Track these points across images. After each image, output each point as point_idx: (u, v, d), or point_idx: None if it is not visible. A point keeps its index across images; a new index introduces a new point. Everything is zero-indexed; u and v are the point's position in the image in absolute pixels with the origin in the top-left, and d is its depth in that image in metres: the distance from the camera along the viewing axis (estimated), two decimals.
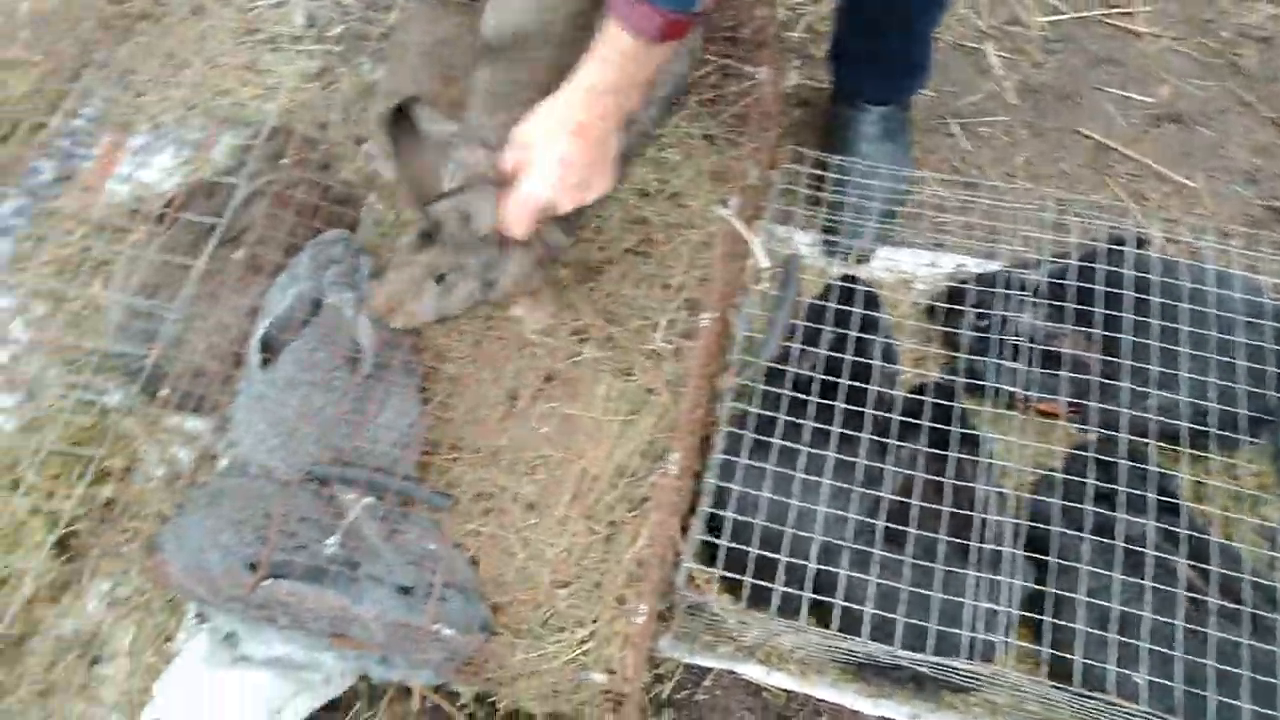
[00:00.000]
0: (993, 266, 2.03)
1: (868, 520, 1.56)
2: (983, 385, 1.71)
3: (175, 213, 1.73)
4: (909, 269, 2.12)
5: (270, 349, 1.71)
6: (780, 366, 1.59)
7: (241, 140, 2.28)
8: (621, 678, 1.35)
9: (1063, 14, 2.59)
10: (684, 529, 1.65)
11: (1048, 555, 1.57)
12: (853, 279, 1.80)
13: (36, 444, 1.83)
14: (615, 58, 1.44)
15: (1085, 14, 2.59)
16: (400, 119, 1.56)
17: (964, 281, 1.85)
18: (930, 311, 1.94)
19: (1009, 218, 1.95)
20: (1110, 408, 1.61)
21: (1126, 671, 1.41)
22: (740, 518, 1.51)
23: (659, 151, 2.33)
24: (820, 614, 1.58)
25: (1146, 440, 1.62)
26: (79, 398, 1.93)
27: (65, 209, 2.17)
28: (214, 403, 1.72)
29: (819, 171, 1.91)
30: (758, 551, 1.48)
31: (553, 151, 1.50)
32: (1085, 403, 1.62)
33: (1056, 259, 1.80)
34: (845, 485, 1.57)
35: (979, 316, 1.80)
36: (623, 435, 1.94)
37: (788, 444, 1.56)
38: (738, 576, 1.46)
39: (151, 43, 2.39)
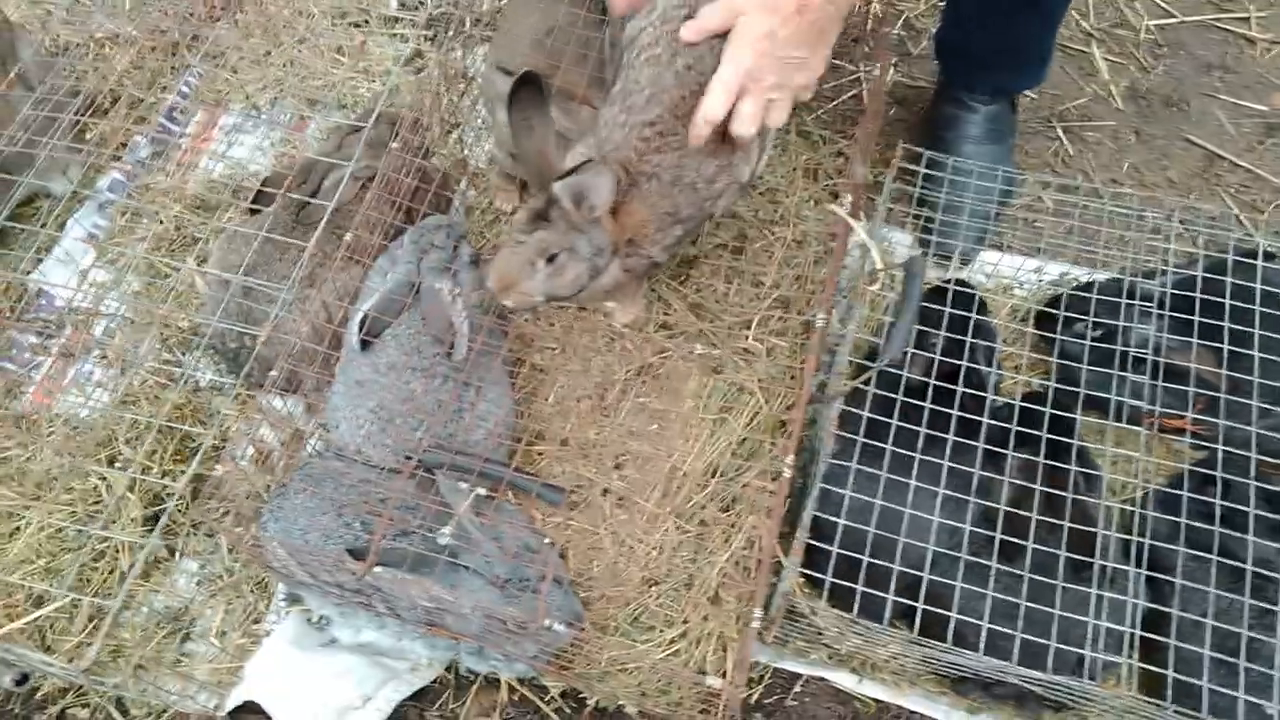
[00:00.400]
0: (1101, 275, 1.96)
1: (981, 532, 1.50)
2: (1100, 397, 1.64)
3: (284, 193, 1.71)
4: (1010, 274, 2.05)
5: (368, 332, 1.70)
6: (895, 370, 1.53)
7: (334, 122, 2.28)
8: (730, 682, 1.31)
9: (1172, 17, 2.50)
10: (782, 533, 1.61)
11: (1163, 573, 1.51)
12: (963, 283, 1.75)
13: (132, 419, 1.84)
14: None
15: (1196, 18, 2.50)
16: (519, 98, 1.53)
17: (1081, 288, 1.79)
18: (1039, 318, 1.87)
19: (1117, 225, 1.88)
20: (1239, 425, 1.54)
21: (1259, 701, 1.35)
22: (850, 524, 1.46)
23: None
24: (922, 625, 1.53)
25: (1268, 458, 1.55)
26: (171, 373, 1.94)
27: (160, 185, 2.17)
28: (308, 384, 1.70)
29: (924, 170, 1.85)
30: (868, 559, 1.44)
31: (764, 25, 1.42)
32: (1213, 420, 1.55)
33: (1179, 269, 1.72)
34: (957, 495, 1.52)
35: (1095, 326, 1.73)
36: (714, 433, 1.91)
37: (898, 450, 1.51)
38: (850, 584, 1.41)
39: (248, 21, 2.39)
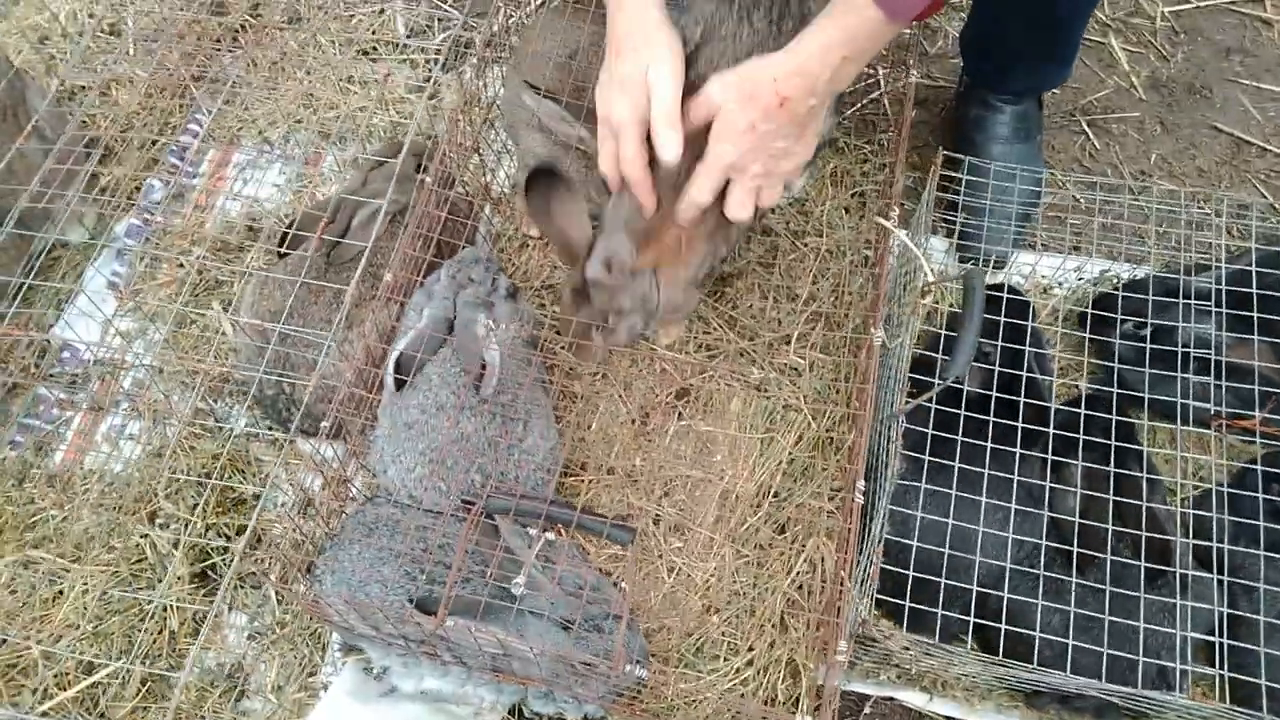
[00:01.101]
0: (1141, 271, 1.94)
1: (1058, 546, 1.48)
2: (1158, 399, 1.62)
3: (320, 235, 1.67)
4: (1048, 275, 2.03)
5: (403, 371, 1.66)
6: (953, 384, 1.51)
7: (351, 155, 2.23)
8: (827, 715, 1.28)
9: (1187, 3, 2.48)
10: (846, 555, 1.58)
11: (1236, 577, 1.50)
12: (1014, 290, 1.72)
13: (169, 473, 1.79)
14: (853, 25, 1.34)
15: (1210, 2, 2.48)
16: (535, 186, 1.54)
17: (1129, 288, 1.76)
18: (1086, 319, 1.85)
19: (1154, 219, 1.86)
20: None
21: None
22: (921, 544, 1.43)
23: None
24: (996, 642, 1.51)
25: None
26: (204, 424, 1.89)
27: (177, 228, 2.13)
28: (354, 430, 1.66)
29: (966, 176, 1.82)
30: (943, 580, 1.41)
31: (748, 115, 1.40)
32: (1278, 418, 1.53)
33: (1228, 263, 1.70)
34: (1024, 508, 1.49)
35: (1137, 326, 1.71)
36: (763, 454, 1.88)
37: (964, 466, 1.48)
38: (925, 608, 1.38)
39: (254, 54, 2.34)
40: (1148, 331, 1.62)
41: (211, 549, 1.75)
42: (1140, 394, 1.65)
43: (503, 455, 1.60)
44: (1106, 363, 1.80)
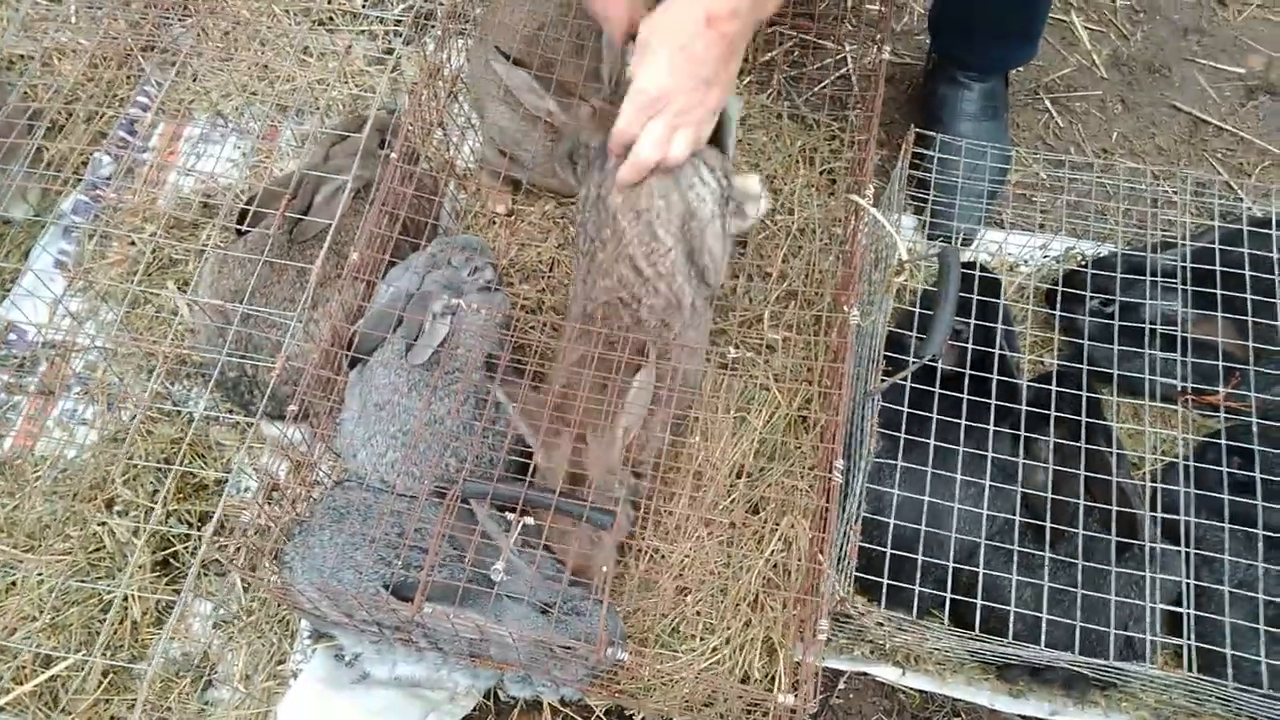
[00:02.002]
0: (1105, 249, 1.97)
1: (1032, 522, 1.50)
2: (1125, 375, 1.65)
3: (283, 212, 1.62)
4: (1015, 253, 2.05)
5: (358, 349, 1.61)
6: (931, 363, 1.52)
7: (308, 129, 2.17)
8: (804, 698, 1.29)
9: None
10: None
11: (1201, 549, 1.54)
12: (985, 268, 1.73)
13: (126, 458, 1.73)
14: None
15: None
16: None
17: (1096, 265, 1.78)
18: (1050, 295, 1.87)
19: (1119, 197, 1.89)
20: (1273, 396, 1.56)
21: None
22: (898, 522, 1.45)
23: (747, 133, 2.24)
24: (969, 616, 1.53)
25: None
26: (161, 408, 1.83)
27: (129, 205, 2.04)
28: (321, 412, 1.62)
29: (938, 155, 1.82)
30: (920, 558, 1.42)
31: (675, 39, 1.42)
32: (1248, 393, 1.56)
33: (1193, 241, 1.73)
34: (996, 484, 1.51)
35: (1104, 303, 1.74)
36: (735, 433, 1.87)
37: (938, 443, 1.49)
38: (908, 586, 1.40)
39: (205, 23, 2.25)
40: (1115, 309, 1.64)
41: (173, 536, 1.70)
42: (1108, 370, 1.67)
43: (478, 439, 1.57)
44: (1075, 340, 1.82)
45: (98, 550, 1.67)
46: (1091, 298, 1.74)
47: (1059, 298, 1.82)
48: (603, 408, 1.49)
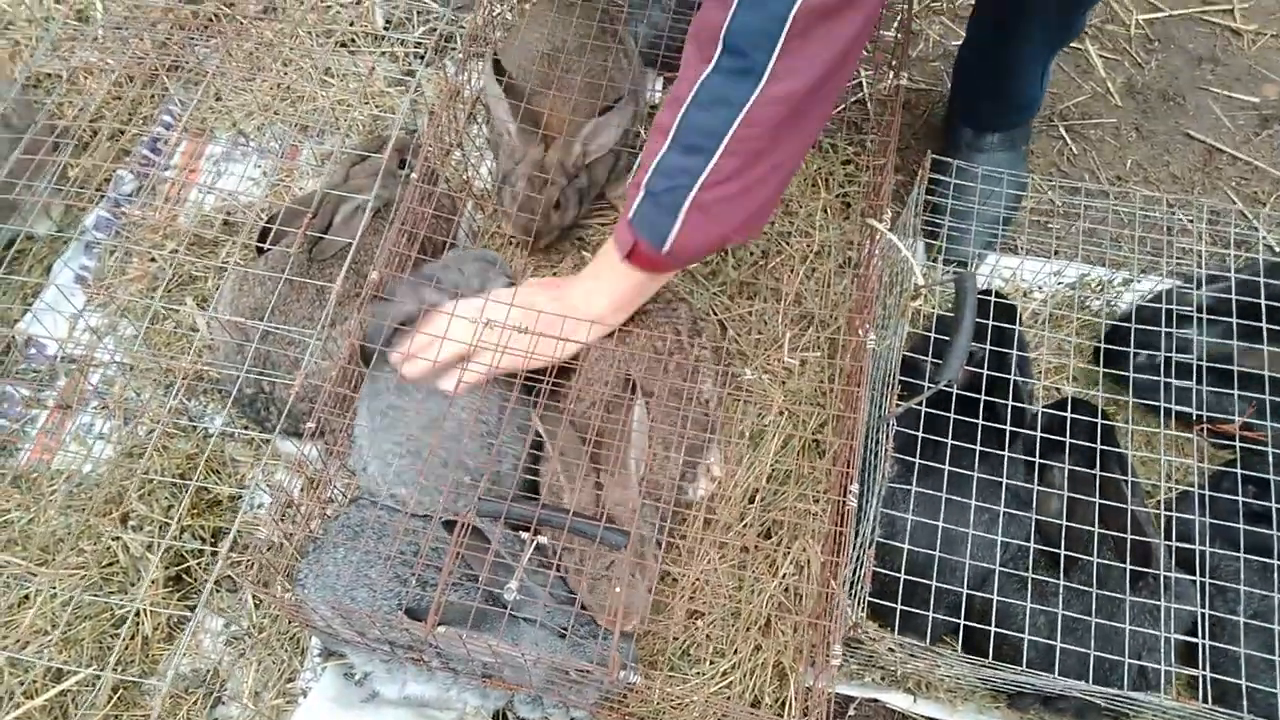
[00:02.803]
0: (1120, 276, 1.98)
1: (1046, 549, 1.49)
2: (1146, 403, 1.65)
3: (304, 230, 1.63)
4: (1029, 279, 2.05)
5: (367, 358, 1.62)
6: (947, 389, 1.52)
7: (328, 149, 2.19)
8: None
9: (1160, 11, 2.52)
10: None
11: (1216, 579, 1.52)
12: (1000, 294, 1.74)
13: (142, 473, 1.74)
14: (602, 258, 1.62)
15: (1182, 11, 2.53)
16: None
17: (1140, 319, 1.76)
18: (1096, 354, 1.83)
19: (1133, 225, 1.89)
20: None
21: None
22: (912, 548, 1.44)
23: None
24: (981, 643, 1.52)
25: None
26: (178, 424, 1.85)
27: (150, 221, 2.07)
28: (338, 431, 1.63)
29: (954, 181, 1.83)
30: (937, 585, 1.42)
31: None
32: (1263, 422, 1.56)
33: (1219, 274, 1.73)
34: (1010, 511, 1.51)
35: (1150, 358, 1.72)
36: (749, 457, 1.87)
37: (952, 469, 1.49)
38: (921, 611, 1.39)
39: (228, 44, 2.28)
40: (1161, 361, 1.63)
41: (187, 552, 1.71)
42: (1124, 398, 1.67)
43: (487, 452, 1.58)
44: (1122, 395, 1.81)
45: (111, 565, 1.68)
46: (1136, 354, 1.71)
47: (1102, 355, 1.78)
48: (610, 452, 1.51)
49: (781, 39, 1.33)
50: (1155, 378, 1.64)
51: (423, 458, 1.53)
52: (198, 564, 1.71)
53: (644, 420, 1.54)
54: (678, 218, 1.48)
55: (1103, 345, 1.62)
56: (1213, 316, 1.61)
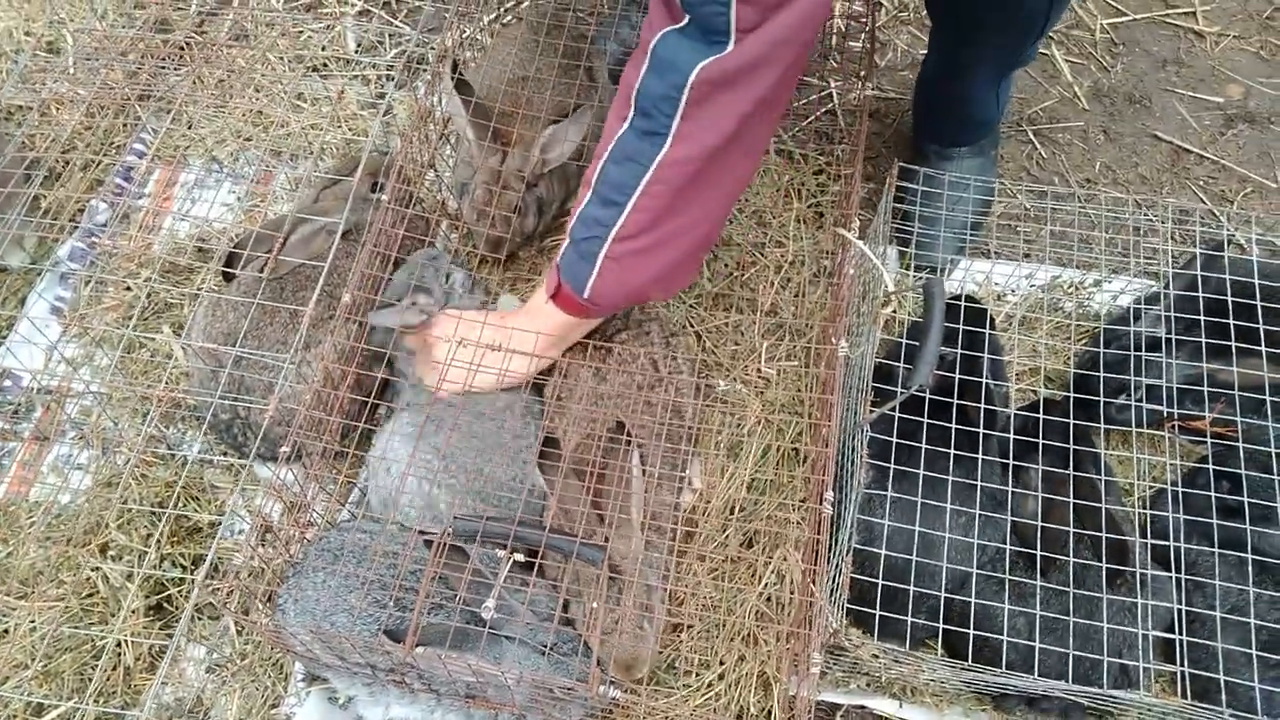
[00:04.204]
0: (1091, 277, 2.00)
1: (1025, 551, 1.50)
2: (1115, 403, 1.66)
3: (276, 254, 1.64)
4: (1001, 282, 2.07)
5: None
6: (919, 394, 1.53)
7: (302, 173, 2.20)
8: None
9: (1124, 15, 2.56)
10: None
11: (1193, 574, 1.54)
12: (971, 298, 1.75)
13: (120, 503, 1.74)
14: (535, 297, 1.68)
15: (1146, 15, 2.56)
16: None
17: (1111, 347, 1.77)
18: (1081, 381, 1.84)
19: (1102, 226, 1.91)
20: (1258, 421, 1.57)
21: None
22: (890, 553, 1.45)
23: None
24: (956, 644, 1.53)
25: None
26: (157, 451, 1.84)
27: (124, 250, 2.07)
28: (310, 452, 1.63)
29: (908, 185, 1.85)
30: (911, 588, 1.42)
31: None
32: (1233, 417, 1.57)
33: (1180, 271, 1.75)
34: (987, 513, 1.52)
35: (1120, 408, 1.72)
36: (729, 468, 1.88)
37: (930, 474, 1.50)
38: (899, 617, 1.40)
39: (200, 71, 2.29)
40: (1133, 402, 1.64)
41: (167, 580, 1.70)
42: (1096, 398, 1.68)
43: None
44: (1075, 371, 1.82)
45: (91, 596, 1.67)
46: (1107, 403, 1.70)
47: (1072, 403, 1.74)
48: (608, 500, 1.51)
49: (682, 105, 1.38)
50: (1128, 409, 1.64)
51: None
52: (178, 592, 1.70)
53: (639, 467, 1.55)
54: (594, 266, 1.55)
55: (1072, 394, 1.62)
56: (1181, 338, 1.62)
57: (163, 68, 2.29)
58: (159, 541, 1.70)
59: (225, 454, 1.82)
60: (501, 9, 2.54)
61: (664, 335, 1.83)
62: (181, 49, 2.33)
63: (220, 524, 1.77)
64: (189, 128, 2.27)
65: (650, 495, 1.58)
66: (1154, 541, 1.56)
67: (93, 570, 1.68)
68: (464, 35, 2.33)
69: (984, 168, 2.14)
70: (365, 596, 1.42)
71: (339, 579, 1.45)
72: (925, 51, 2.18)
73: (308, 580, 1.47)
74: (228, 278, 1.84)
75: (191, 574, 1.71)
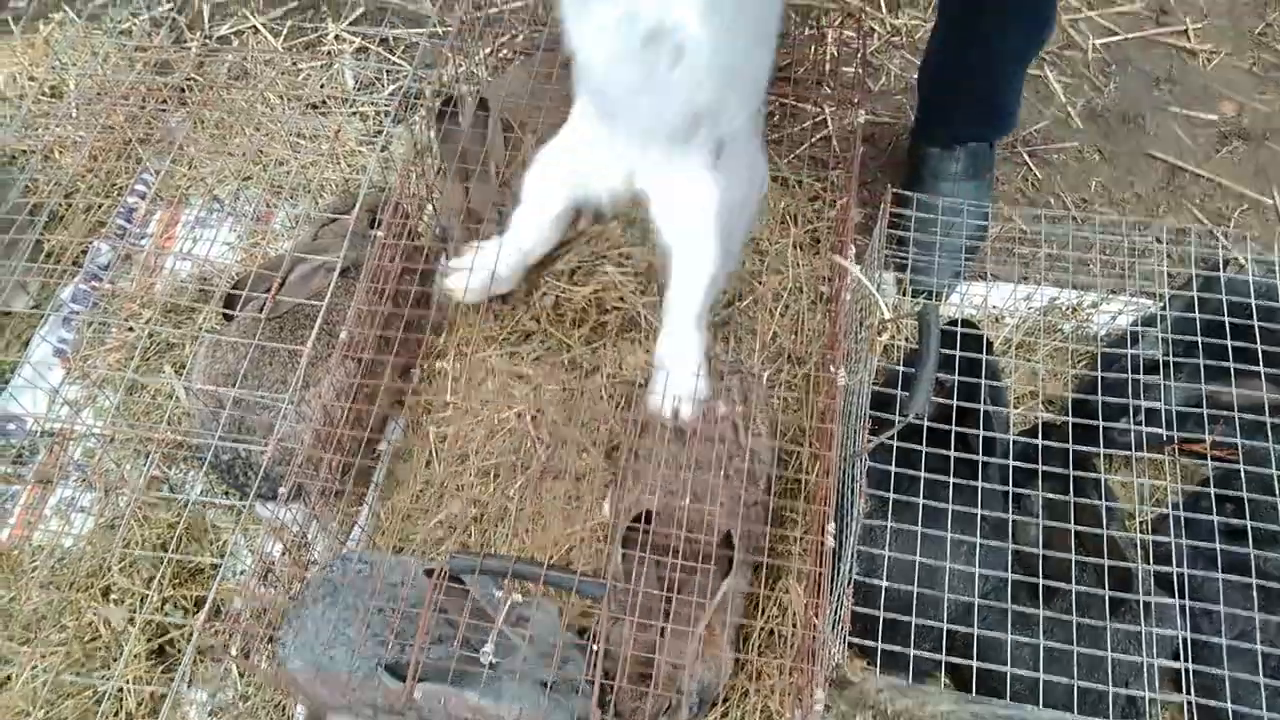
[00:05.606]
0: (1089, 298, 2.00)
1: (1022, 578, 1.49)
2: (1114, 427, 1.66)
3: (274, 295, 1.65)
4: (999, 305, 2.07)
5: None
6: (916, 422, 1.52)
7: (302, 211, 2.22)
8: None
9: (1116, 34, 2.57)
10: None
11: (1200, 599, 1.52)
12: (969, 323, 1.75)
13: (123, 545, 1.74)
14: None
15: (1138, 34, 2.58)
16: None
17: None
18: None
19: (1098, 248, 1.91)
20: (1257, 443, 1.56)
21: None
22: (892, 584, 1.44)
23: None
24: (961, 675, 1.51)
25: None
26: (159, 493, 1.85)
27: (126, 291, 2.08)
28: (309, 491, 1.63)
29: (915, 214, 1.85)
30: (914, 620, 1.41)
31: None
32: (1233, 440, 1.56)
33: (1178, 292, 1.75)
34: (994, 542, 1.51)
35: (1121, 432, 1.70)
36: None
37: (927, 502, 1.49)
38: (903, 649, 1.38)
39: (200, 112, 2.32)
40: (1132, 425, 1.63)
41: (169, 624, 1.70)
42: (1095, 422, 1.67)
43: None
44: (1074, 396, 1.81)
45: (93, 640, 1.67)
46: (1108, 428, 1.69)
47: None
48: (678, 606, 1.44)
49: None
50: (1127, 433, 1.63)
51: None
52: (180, 634, 1.70)
53: (741, 589, 1.51)
54: None
55: (1071, 419, 1.61)
56: (1180, 359, 1.62)
57: (163, 109, 2.31)
58: (160, 584, 1.70)
59: (227, 493, 1.83)
60: (496, 43, 2.57)
61: (744, 390, 1.75)
62: (182, 90, 2.36)
63: (222, 565, 1.77)
64: (190, 167, 2.29)
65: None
66: (1157, 568, 1.55)
67: (95, 614, 1.68)
68: (459, 70, 2.36)
69: (980, 190, 2.15)
70: (364, 629, 1.42)
71: (338, 611, 1.44)
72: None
73: (308, 613, 1.46)
74: (228, 318, 1.85)
75: (193, 615, 1.71)
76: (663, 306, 1.74)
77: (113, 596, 1.71)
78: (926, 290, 2.05)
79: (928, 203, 1.91)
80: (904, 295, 2.08)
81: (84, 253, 2.14)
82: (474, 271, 1.78)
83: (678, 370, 1.67)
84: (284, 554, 1.60)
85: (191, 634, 1.66)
